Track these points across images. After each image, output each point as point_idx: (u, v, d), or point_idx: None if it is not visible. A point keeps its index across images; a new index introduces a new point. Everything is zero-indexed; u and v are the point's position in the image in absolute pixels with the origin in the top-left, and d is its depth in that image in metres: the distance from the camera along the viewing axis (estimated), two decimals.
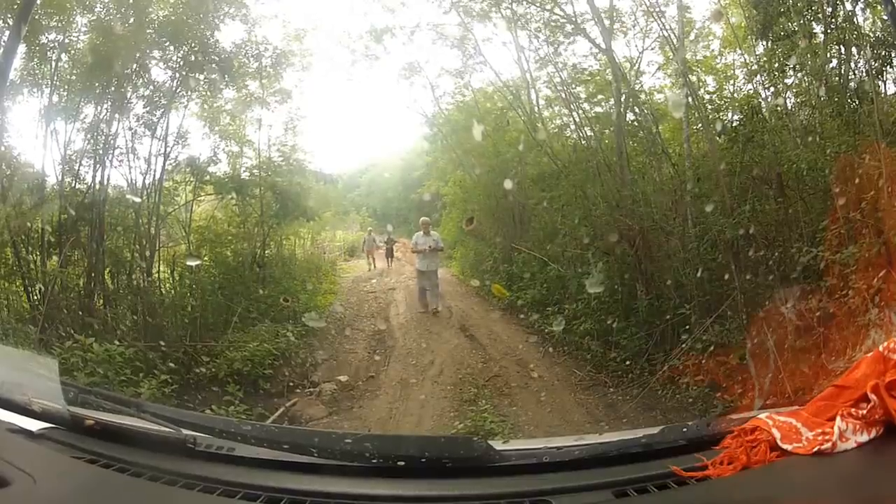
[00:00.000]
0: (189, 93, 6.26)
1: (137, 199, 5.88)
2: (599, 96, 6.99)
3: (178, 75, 6.10)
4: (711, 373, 4.24)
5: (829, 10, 5.33)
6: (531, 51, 7.15)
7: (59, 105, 5.57)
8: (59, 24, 5.52)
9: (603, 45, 6.61)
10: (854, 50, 5.25)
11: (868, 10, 5.19)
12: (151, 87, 6.05)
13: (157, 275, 5.98)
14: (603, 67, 6.85)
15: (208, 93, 6.42)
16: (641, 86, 6.80)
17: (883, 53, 5.04)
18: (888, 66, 5.08)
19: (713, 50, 6.68)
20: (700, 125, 6.05)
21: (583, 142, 6.97)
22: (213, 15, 6.14)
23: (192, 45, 5.99)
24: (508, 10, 6.97)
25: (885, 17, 4.90)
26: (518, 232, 7.43)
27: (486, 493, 1.01)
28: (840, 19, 5.30)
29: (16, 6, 4.78)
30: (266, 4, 6.50)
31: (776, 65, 5.64)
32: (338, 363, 5.71)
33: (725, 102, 6.14)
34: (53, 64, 5.54)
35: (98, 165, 5.69)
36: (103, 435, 1.16)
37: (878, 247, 3.79)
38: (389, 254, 9.12)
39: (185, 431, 1.13)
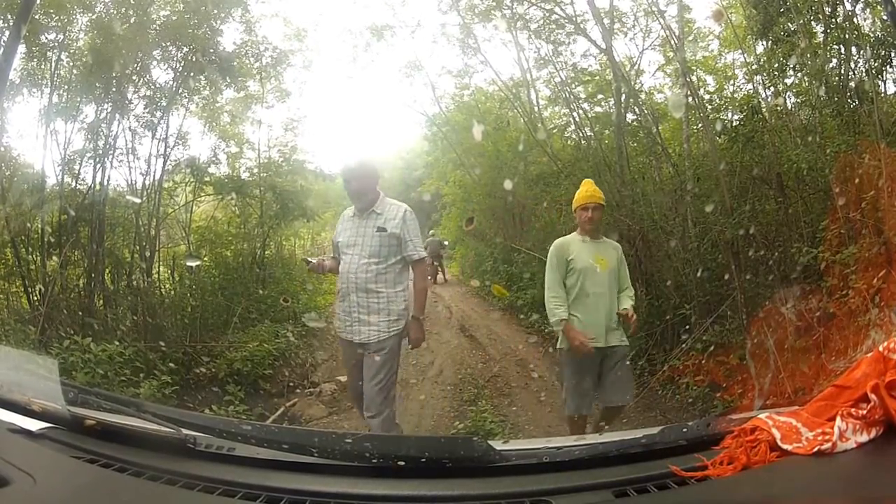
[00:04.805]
0: (189, 93, 6.27)
1: (137, 200, 5.89)
2: (599, 96, 7.01)
3: (178, 76, 6.10)
4: (711, 373, 4.23)
5: (829, 10, 5.34)
6: (531, 50, 7.17)
7: (59, 105, 5.57)
8: (59, 24, 5.52)
9: (603, 45, 6.62)
10: (854, 50, 5.25)
11: (868, 10, 5.19)
12: (152, 87, 6.06)
13: (157, 275, 5.99)
14: (603, 67, 6.86)
15: (209, 93, 6.43)
16: (641, 86, 6.82)
17: (883, 53, 5.04)
18: (888, 66, 5.08)
19: (713, 50, 6.69)
20: (700, 125, 6.05)
21: (583, 142, 6.98)
22: (214, 15, 6.15)
23: (193, 45, 6.00)
24: (508, 10, 6.98)
25: (885, 17, 4.90)
26: (518, 232, 7.43)
27: (486, 493, 1.00)
28: (840, 19, 5.30)
29: (16, 6, 4.79)
30: (267, 3, 6.53)
31: (776, 65, 5.64)
32: (338, 363, 5.71)
33: (725, 102, 6.14)
34: (53, 64, 5.54)
35: (98, 166, 5.69)
36: (103, 435, 1.16)
37: (878, 247, 3.79)
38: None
39: (185, 431, 1.13)
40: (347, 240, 2.98)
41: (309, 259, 3.20)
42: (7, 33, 4.89)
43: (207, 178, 6.48)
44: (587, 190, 3.17)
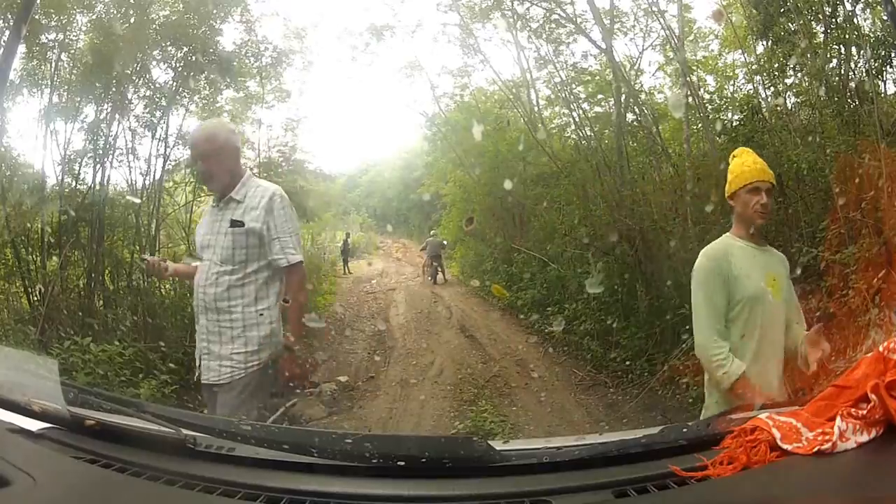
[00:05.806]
0: (189, 93, 6.27)
1: (137, 200, 5.89)
2: (599, 96, 7.01)
3: (178, 75, 6.11)
4: None
5: (829, 10, 5.34)
6: (531, 50, 7.17)
7: (59, 105, 5.58)
8: (60, 24, 5.52)
9: (603, 45, 6.62)
10: (854, 50, 5.25)
11: (868, 11, 5.20)
12: (152, 87, 6.07)
13: None
14: (603, 67, 6.86)
15: (209, 93, 6.43)
16: (641, 86, 6.82)
17: (883, 53, 5.04)
18: (888, 66, 5.08)
19: (713, 50, 6.70)
20: (700, 125, 6.05)
21: (583, 142, 6.98)
22: (214, 15, 6.15)
23: (193, 45, 6.00)
24: (508, 9, 6.99)
25: (885, 17, 4.90)
26: (518, 232, 7.43)
27: (486, 493, 1.00)
28: (840, 19, 5.30)
29: (16, 6, 4.79)
30: (266, 3, 6.54)
31: (776, 65, 5.64)
32: (338, 364, 5.71)
33: (725, 102, 6.15)
34: (53, 64, 5.54)
35: (98, 166, 5.70)
36: (103, 435, 1.16)
37: (878, 247, 3.79)
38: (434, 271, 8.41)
39: (185, 431, 1.13)
40: (202, 240, 2.17)
41: (145, 256, 2.46)
42: (7, 33, 4.90)
43: None
44: (755, 161, 1.91)
